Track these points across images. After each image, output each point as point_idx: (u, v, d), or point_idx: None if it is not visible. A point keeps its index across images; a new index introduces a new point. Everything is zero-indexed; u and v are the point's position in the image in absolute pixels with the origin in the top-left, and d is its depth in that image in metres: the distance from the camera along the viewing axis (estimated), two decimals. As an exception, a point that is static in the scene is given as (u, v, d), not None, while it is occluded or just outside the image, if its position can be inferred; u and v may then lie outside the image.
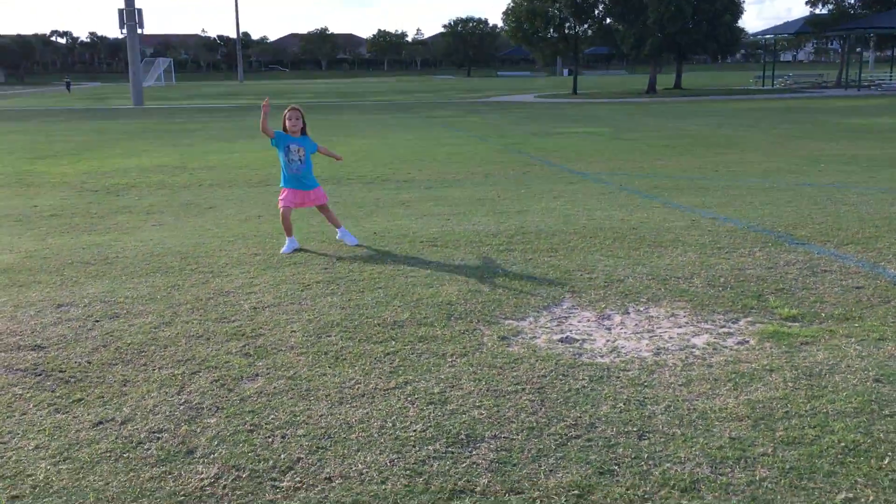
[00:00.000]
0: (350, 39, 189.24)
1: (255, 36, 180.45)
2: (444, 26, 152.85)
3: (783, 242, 6.91)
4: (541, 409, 3.66)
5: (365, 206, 9.43)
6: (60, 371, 4.23)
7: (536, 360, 4.25)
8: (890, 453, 3.17)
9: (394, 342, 4.58)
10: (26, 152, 17.33)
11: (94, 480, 3.09)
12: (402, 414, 3.64)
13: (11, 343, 4.69)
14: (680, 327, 4.80)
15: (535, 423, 3.51)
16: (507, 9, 54.08)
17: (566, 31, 53.59)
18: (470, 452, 3.27)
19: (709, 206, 8.83)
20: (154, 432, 3.50)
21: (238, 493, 2.99)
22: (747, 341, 4.51)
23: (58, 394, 3.93)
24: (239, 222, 8.54)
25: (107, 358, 4.42)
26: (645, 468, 3.11)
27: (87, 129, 24.89)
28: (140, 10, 43.81)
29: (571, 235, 7.36)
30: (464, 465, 3.17)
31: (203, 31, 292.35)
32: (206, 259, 6.71)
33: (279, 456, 3.26)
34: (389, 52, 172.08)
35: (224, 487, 3.03)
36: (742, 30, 53.13)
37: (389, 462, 3.20)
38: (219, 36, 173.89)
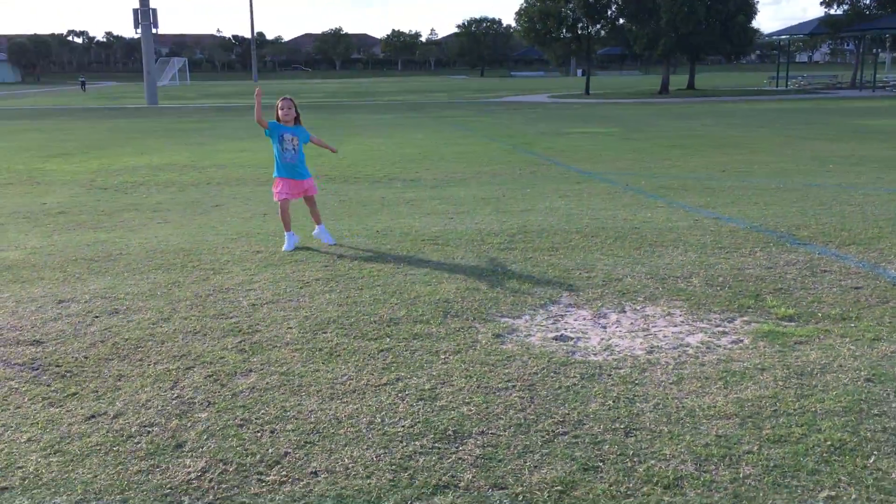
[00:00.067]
0: (364, 39, 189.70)
1: (269, 36, 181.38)
2: (458, 26, 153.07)
3: (785, 243, 6.89)
4: (530, 405, 3.67)
5: (370, 205, 9.46)
6: (57, 366, 4.28)
7: (529, 358, 4.27)
8: (876, 452, 3.17)
9: (388, 339, 4.60)
10: (39, 151, 17.47)
11: (83, 473, 3.13)
12: (392, 410, 3.66)
13: (11, 338, 4.74)
14: (675, 326, 4.80)
15: (522, 420, 3.52)
16: (520, 9, 54.03)
17: (579, 32, 53.47)
18: (456, 448, 3.28)
19: (713, 207, 8.81)
20: (145, 426, 3.53)
21: (224, 486, 3.02)
22: (741, 340, 4.51)
23: (53, 388, 3.98)
24: (244, 220, 8.59)
25: (103, 353, 4.46)
26: (629, 465, 3.12)
27: (100, 128, 25.06)
28: (154, 10, 44.04)
29: (573, 234, 7.36)
30: (449, 460, 3.18)
31: (218, 31, 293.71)
32: (207, 256, 6.76)
33: (267, 450, 3.29)
34: (403, 52, 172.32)
35: (210, 481, 3.05)
36: (756, 30, 52.85)
37: (376, 457, 3.22)
38: (234, 36, 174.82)
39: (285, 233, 7.04)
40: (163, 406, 3.74)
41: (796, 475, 3.02)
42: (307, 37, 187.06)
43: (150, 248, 7.18)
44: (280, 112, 6.95)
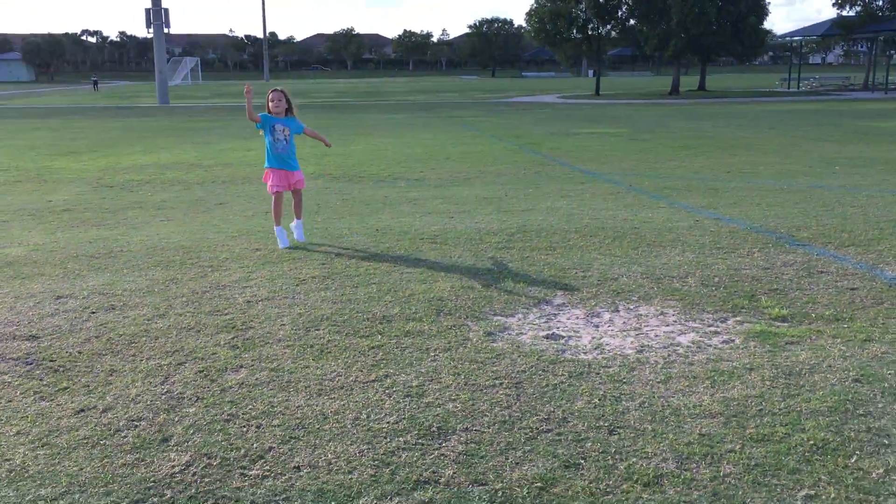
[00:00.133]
0: (376, 39, 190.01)
1: (281, 36, 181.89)
2: (470, 27, 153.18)
3: (783, 243, 6.87)
4: (515, 403, 3.69)
5: (372, 204, 9.48)
6: (51, 360, 4.32)
7: (519, 356, 4.28)
8: (858, 452, 3.17)
9: (380, 336, 4.62)
10: (48, 149, 17.59)
11: (69, 466, 3.16)
12: (378, 406, 3.68)
13: (7, 333, 4.79)
14: (667, 326, 4.80)
15: (507, 417, 3.54)
16: (531, 10, 54.01)
17: (589, 33, 53.39)
18: (440, 444, 3.30)
19: (715, 207, 8.80)
20: (133, 420, 3.56)
21: (206, 480, 3.04)
22: (733, 340, 4.51)
23: (45, 382, 4.02)
24: (245, 218, 8.63)
25: (97, 348, 4.50)
26: (611, 462, 3.13)
27: (110, 127, 25.19)
28: (166, 10, 44.23)
29: (572, 234, 7.37)
30: (432, 456, 3.20)
31: (230, 30, 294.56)
32: (207, 254, 6.80)
33: (252, 445, 3.31)
34: (415, 52, 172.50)
35: (193, 475, 3.08)
36: (768, 31, 52.67)
37: (358, 452, 3.24)
38: (246, 36, 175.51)
39: (275, 227, 7.07)
40: (152, 401, 3.77)
41: (777, 474, 3.02)
42: (319, 37, 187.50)
43: (151, 245, 7.22)
44: (270, 104, 7.02)
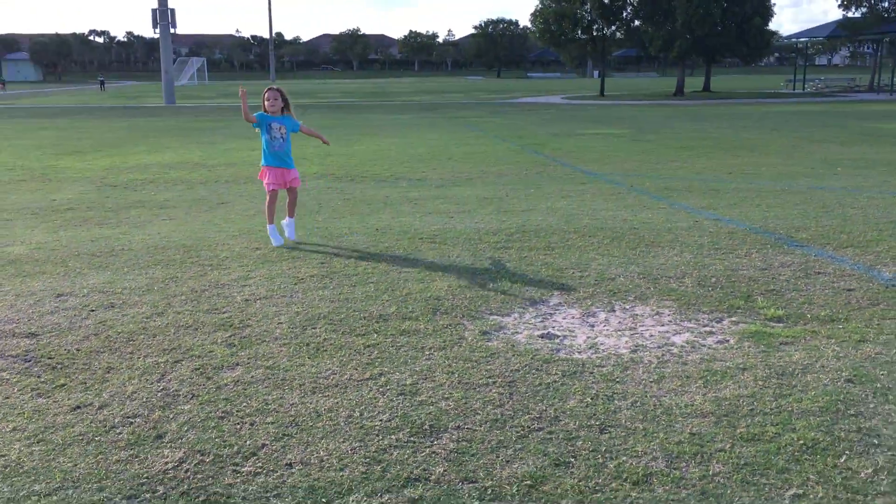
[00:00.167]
0: (382, 40, 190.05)
1: (288, 36, 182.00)
2: (475, 27, 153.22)
3: (782, 244, 6.88)
4: (508, 401, 3.71)
5: (373, 203, 9.51)
6: (49, 357, 4.35)
7: (513, 355, 4.30)
8: (847, 452, 3.18)
9: (376, 335, 4.65)
10: (53, 148, 17.65)
11: (64, 462, 3.19)
12: (372, 404, 3.70)
13: (7, 330, 4.82)
14: (663, 326, 4.82)
15: (499, 416, 3.56)
16: (535, 10, 54.01)
17: (594, 33, 53.34)
18: (431, 442, 3.32)
19: (715, 208, 8.80)
20: (128, 417, 3.59)
21: (199, 476, 3.07)
22: (727, 340, 4.52)
23: (42, 379, 4.05)
24: (247, 217, 8.66)
25: (95, 346, 4.53)
26: (601, 461, 3.15)
27: (116, 127, 25.27)
28: (173, 10, 44.32)
29: (571, 234, 7.39)
30: (423, 454, 3.22)
31: (237, 31, 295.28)
32: (207, 252, 6.83)
33: (245, 442, 3.34)
34: (420, 52, 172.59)
35: (186, 471, 3.11)
36: (773, 33, 52.59)
37: (350, 450, 3.26)
38: (252, 36, 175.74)
39: (269, 226, 7.11)
40: (147, 398, 3.80)
41: (766, 473, 3.04)
42: (325, 37, 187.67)
43: (152, 244, 7.26)
44: (266, 103, 7.07)
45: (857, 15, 55.03)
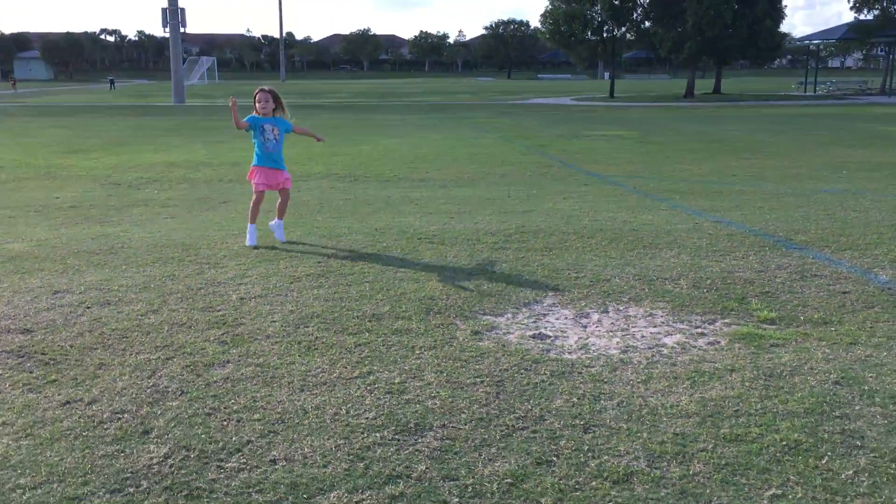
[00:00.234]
0: (392, 40, 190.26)
1: (298, 36, 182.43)
2: (486, 28, 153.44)
3: (780, 247, 6.87)
4: (494, 401, 3.72)
5: (374, 204, 9.54)
6: (42, 353, 4.39)
7: (503, 355, 4.31)
8: (829, 453, 3.18)
9: (368, 334, 4.67)
10: (60, 146, 17.75)
11: (50, 456, 3.22)
12: (359, 402, 3.72)
13: (2, 326, 4.86)
14: (655, 327, 4.82)
15: (485, 415, 3.57)
16: (545, 11, 53.95)
17: (604, 35, 53.25)
18: (415, 440, 3.34)
19: (716, 210, 8.79)
20: (116, 413, 3.62)
21: (183, 471, 3.10)
22: (718, 342, 4.53)
23: (35, 375, 4.08)
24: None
25: (89, 342, 4.57)
26: (582, 460, 3.16)
27: (123, 126, 25.38)
28: (183, 10, 44.53)
29: (570, 235, 7.39)
30: (406, 452, 3.24)
31: (248, 31, 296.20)
32: (206, 251, 6.87)
33: (230, 438, 3.37)
34: (431, 53, 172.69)
35: (171, 466, 3.13)
36: (784, 35, 52.45)
37: (335, 447, 3.28)
38: (263, 36, 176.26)
39: (249, 225, 7.14)
40: (137, 394, 3.83)
41: (746, 473, 3.04)
42: (336, 37, 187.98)
43: (152, 242, 7.30)
44: (257, 105, 7.11)
45: (870, 17, 54.76)
